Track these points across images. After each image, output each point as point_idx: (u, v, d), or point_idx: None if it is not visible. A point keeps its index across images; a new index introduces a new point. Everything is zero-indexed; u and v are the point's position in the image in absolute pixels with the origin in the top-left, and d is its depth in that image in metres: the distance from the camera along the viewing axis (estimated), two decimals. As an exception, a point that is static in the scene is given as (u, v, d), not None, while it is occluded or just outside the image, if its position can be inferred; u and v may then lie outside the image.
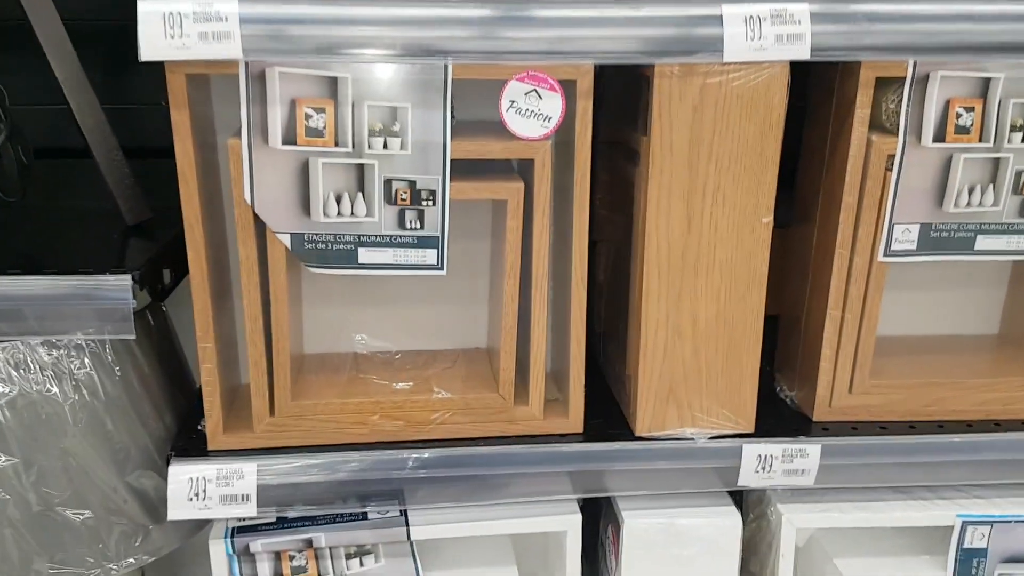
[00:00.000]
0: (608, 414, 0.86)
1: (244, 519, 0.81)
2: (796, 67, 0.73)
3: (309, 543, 0.81)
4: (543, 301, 0.79)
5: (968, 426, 0.85)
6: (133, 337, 0.72)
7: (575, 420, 0.82)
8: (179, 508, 0.77)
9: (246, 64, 0.69)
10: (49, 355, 0.75)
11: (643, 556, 0.84)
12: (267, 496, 0.79)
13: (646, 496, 0.85)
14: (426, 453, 0.80)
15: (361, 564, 0.82)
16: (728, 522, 0.84)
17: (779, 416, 0.85)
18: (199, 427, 0.82)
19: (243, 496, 0.78)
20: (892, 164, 0.75)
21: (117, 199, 0.84)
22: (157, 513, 0.81)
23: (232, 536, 0.80)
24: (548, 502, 0.85)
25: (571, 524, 0.84)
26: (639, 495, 0.85)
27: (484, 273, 0.88)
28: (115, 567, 0.78)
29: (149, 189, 0.87)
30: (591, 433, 0.82)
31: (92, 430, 0.76)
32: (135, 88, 1.12)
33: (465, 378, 0.84)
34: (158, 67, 0.68)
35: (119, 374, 0.78)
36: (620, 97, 0.81)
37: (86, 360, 0.76)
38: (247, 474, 0.77)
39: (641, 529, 0.83)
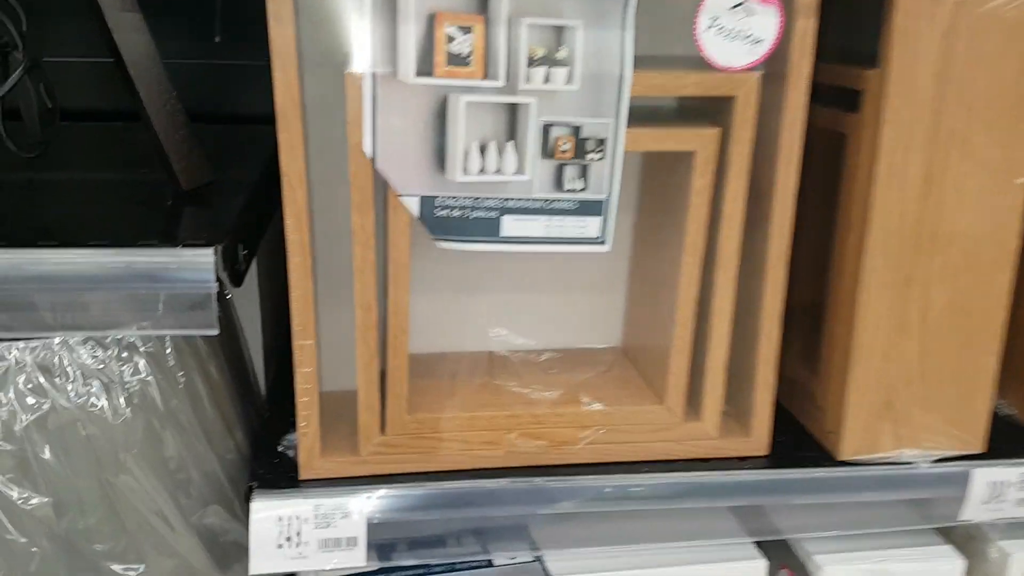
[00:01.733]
0: (789, 432, 0.69)
1: (344, 570, 0.64)
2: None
3: (427, 600, 0.64)
4: (730, 286, 0.62)
5: None
6: (216, 332, 0.54)
7: (759, 439, 0.65)
8: (265, 558, 0.59)
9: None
10: (93, 357, 0.57)
11: (839, 609, 0.67)
12: (376, 539, 0.61)
13: (836, 537, 0.68)
14: (571, 482, 0.62)
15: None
16: (949, 567, 0.67)
17: (1008, 435, 0.69)
18: (280, 448, 0.64)
19: (348, 540, 0.60)
20: None
21: (170, 157, 0.66)
22: (227, 562, 0.63)
23: (329, 591, 0.63)
24: (720, 545, 0.68)
25: (752, 572, 0.67)
26: (825, 536, 0.69)
27: (622, 254, 0.71)
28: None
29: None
30: (779, 457, 0.65)
31: (149, 456, 0.58)
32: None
33: (617, 386, 0.67)
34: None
35: (183, 381, 0.60)
36: (825, 27, 0.64)
37: (141, 364, 0.58)
38: (354, 511, 0.59)
39: (841, 576, 0.67)
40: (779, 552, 0.70)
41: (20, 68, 0.65)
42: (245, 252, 0.63)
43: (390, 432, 0.61)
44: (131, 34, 0.63)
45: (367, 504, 0.59)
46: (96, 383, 0.57)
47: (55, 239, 0.55)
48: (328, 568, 0.59)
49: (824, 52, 0.63)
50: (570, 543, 0.66)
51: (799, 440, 0.67)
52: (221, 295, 0.65)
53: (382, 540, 0.62)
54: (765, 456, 0.65)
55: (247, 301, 0.79)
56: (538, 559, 0.65)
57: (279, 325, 0.90)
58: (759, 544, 0.68)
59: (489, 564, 0.65)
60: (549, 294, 0.70)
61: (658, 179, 0.65)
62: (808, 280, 0.68)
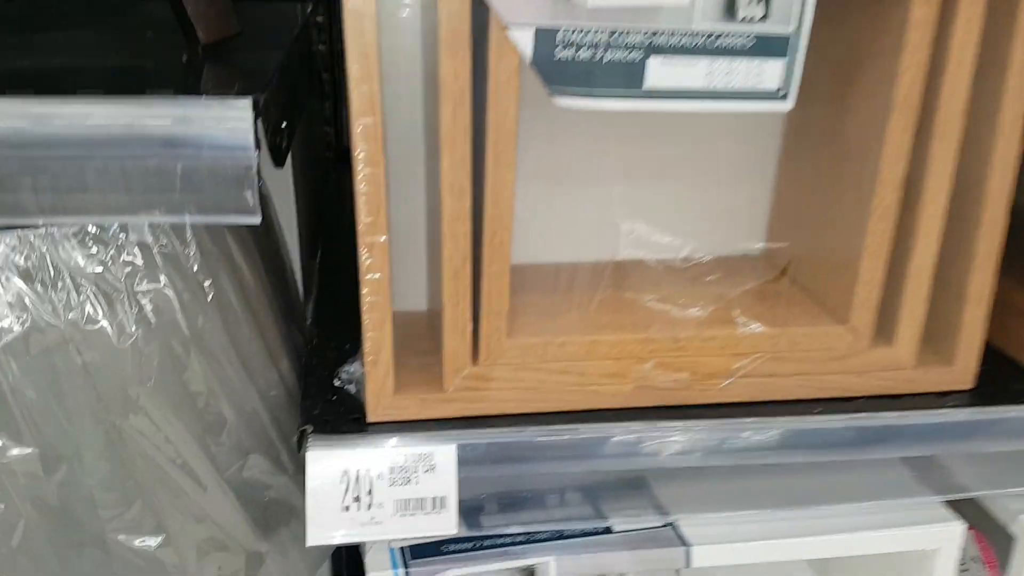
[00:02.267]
0: (996, 366, 0.53)
1: (421, 539, 0.49)
2: None
3: (529, 572, 0.49)
4: (950, 160, 0.46)
5: None
6: (258, 220, 0.39)
7: (964, 369, 0.50)
8: (326, 524, 0.44)
9: None
10: (89, 256, 0.42)
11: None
12: (467, 498, 0.47)
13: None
14: (718, 426, 0.47)
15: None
16: None
17: None
18: (338, 383, 0.50)
19: (436, 501, 0.45)
20: None
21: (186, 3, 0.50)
22: (272, 527, 0.49)
23: (405, 563, 0.48)
24: (903, 507, 0.53)
25: (947, 538, 0.52)
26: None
27: (773, 134, 0.55)
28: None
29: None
30: (988, 392, 0.50)
31: (169, 390, 0.43)
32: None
33: (781, 302, 0.51)
34: None
35: (211, 292, 0.45)
36: None
37: (158, 267, 0.43)
38: (442, 462, 0.45)
39: (1059, 544, 0.52)
40: (968, 513, 0.55)
41: None
42: (285, 124, 0.48)
43: (484, 361, 0.46)
44: None
45: (459, 452, 0.45)
46: (94, 292, 0.42)
47: (38, 89, 0.39)
48: (412, 536, 0.45)
49: None
50: (710, 505, 0.51)
51: (1010, 373, 0.52)
52: (260, 172, 0.49)
53: (474, 501, 0.48)
54: (971, 391, 0.50)
55: (280, 197, 0.64)
56: (670, 524, 0.51)
57: (318, 230, 0.74)
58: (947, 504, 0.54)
59: (607, 531, 0.51)
60: (686, 184, 0.54)
61: (840, 20, 0.49)
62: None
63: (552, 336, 0.47)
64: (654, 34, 0.41)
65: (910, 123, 0.44)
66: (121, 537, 0.42)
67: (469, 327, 0.45)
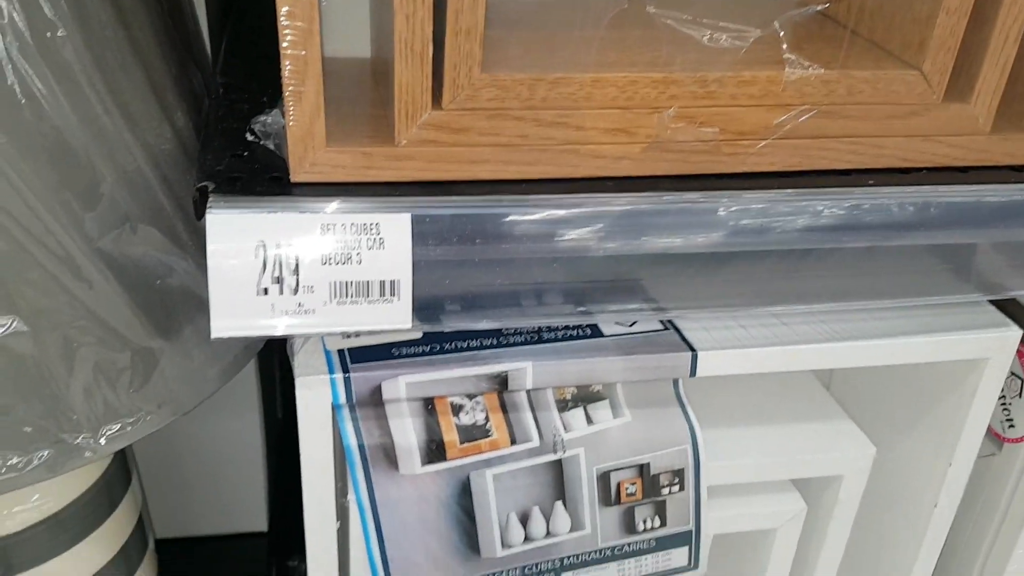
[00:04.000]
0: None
1: (368, 338, 0.39)
2: None
3: (497, 381, 0.40)
4: None
5: None
6: None
7: (1050, 136, 0.40)
8: (236, 311, 0.33)
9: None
10: None
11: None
12: (422, 287, 0.36)
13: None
14: (754, 199, 0.37)
15: (590, 421, 0.41)
16: None
17: None
18: (251, 135, 0.37)
19: (385, 285, 0.35)
20: None
21: None
22: (171, 322, 0.37)
23: (345, 368, 0.38)
24: (949, 305, 0.44)
25: (998, 348, 0.43)
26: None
27: None
28: (86, 439, 0.35)
29: None
30: (1075, 165, 0.41)
31: (8, 124, 0.31)
32: None
33: (834, 41, 0.40)
34: None
35: (70, 6, 0.32)
36: None
37: (-30, -61, 0.30)
38: (392, 236, 0.34)
39: None
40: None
41: None
42: None
43: (450, 103, 0.34)
44: None
45: (414, 223, 0.34)
46: None
47: None
48: (351, 331, 0.35)
49: None
50: (721, 302, 0.41)
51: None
52: None
53: (432, 294, 0.37)
54: (1052, 166, 0.40)
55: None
56: (671, 326, 0.41)
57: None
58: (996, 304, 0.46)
59: (596, 332, 0.41)
60: None
61: None
62: None
63: (542, 71, 0.35)
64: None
65: None
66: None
67: (429, 50, 0.33)
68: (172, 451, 0.75)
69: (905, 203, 0.38)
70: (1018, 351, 0.48)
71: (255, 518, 0.78)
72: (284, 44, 0.32)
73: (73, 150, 0.32)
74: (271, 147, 0.37)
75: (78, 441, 0.33)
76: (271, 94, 0.42)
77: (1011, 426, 0.48)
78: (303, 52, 0.31)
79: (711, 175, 0.38)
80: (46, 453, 0.33)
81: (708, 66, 0.36)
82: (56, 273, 0.32)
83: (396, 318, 0.34)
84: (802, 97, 0.37)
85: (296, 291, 0.33)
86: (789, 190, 0.37)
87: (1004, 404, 0.49)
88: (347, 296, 0.34)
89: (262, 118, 0.38)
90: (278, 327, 0.33)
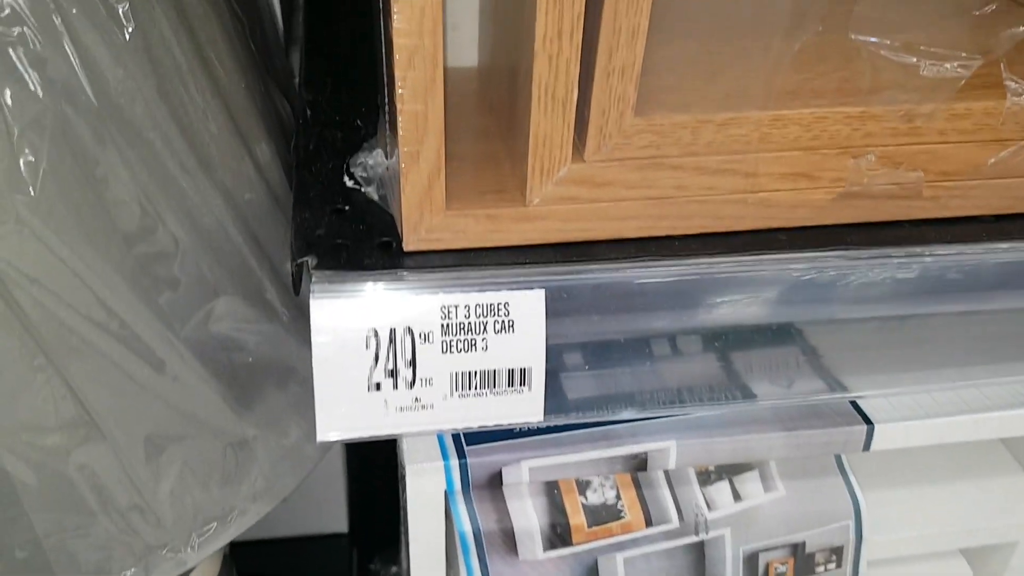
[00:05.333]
0: None
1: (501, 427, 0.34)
2: None
3: (637, 463, 0.34)
4: None
5: None
6: None
7: None
8: (343, 410, 0.28)
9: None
10: None
11: None
12: (553, 376, 0.30)
13: None
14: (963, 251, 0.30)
15: (736, 497, 0.36)
16: None
17: None
18: (350, 181, 0.32)
19: (515, 373, 0.29)
20: None
21: None
22: (250, 400, 0.33)
23: (459, 451, 0.33)
24: None
25: None
26: None
27: None
28: (176, 548, 0.31)
29: None
30: None
31: (70, 203, 0.25)
32: None
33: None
34: None
35: (132, 24, 0.26)
36: None
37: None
38: (524, 316, 0.28)
39: None
40: None
41: None
42: None
43: (594, 154, 0.28)
44: None
45: (549, 300, 0.28)
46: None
47: None
48: (476, 427, 0.29)
49: None
50: (895, 373, 0.35)
51: None
52: None
53: (564, 378, 0.32)
54: None
55: None
56: (843, 395, 0.35)
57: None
58: None
59: (748, 394, 0.35)
60: None
61: None
62: None
63: (705, 112, 0.28)
64: None
65: None
66: (23, 438, 0.26)
67: (574, 96, 0.27)
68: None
69: None
70: None
71: (335, 519, 0.75)
72: (400, 93, 0.25)
73: (143, 228, 0.27)
74: (375, 197, 0.31)
75: (166, 552, 0.29)
76: (365, 114, 0.36)
77: None
78: (422, 107, 0.25)
79: (903, 221, 0.31)
80: (130, 573, 0.28)
81: (910, 92, 0.29)
82: (134, 372, 0.27)
83: (527, 411, 0.29)
84: (1021, 129, 0.30)
85: (412, 385, 0.28)
86: (1002, 243, 0.30)
87: None
88: (471, 388, 0.28)
89: (362, 158, 0.32)
90: (392, 427, 0.28)
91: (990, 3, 0.31)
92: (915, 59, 0.28)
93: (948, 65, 0.28)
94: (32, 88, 0.25)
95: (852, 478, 0.37)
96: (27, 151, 0.25)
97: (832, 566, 0.37)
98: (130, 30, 0.25)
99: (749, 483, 0.36)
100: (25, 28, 0.24)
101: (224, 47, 0.31)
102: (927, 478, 0.41)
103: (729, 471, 0.36)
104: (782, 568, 0.37)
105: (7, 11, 0.24)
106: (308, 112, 0.36)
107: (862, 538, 0.37)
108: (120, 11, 0.25)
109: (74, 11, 0.25)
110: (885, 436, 0.34)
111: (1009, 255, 0.31)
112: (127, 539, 0.28)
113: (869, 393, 0.33)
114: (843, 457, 0.37)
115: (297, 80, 0.38)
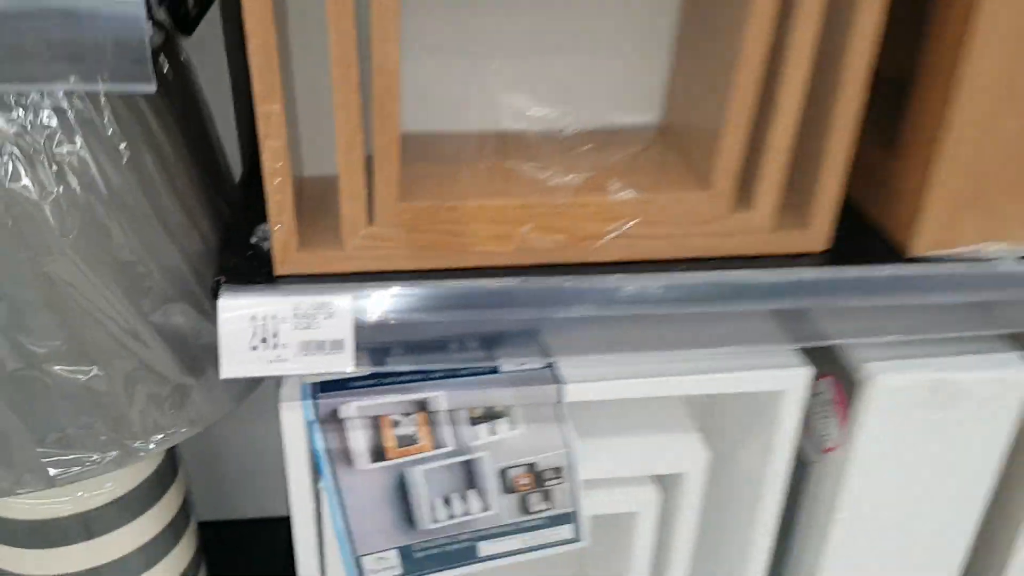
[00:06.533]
0: (855, 227, 0.58)
1: (330, 375, 0.56)
2: None
3: (421, 405, 0.56)
4: (810, 38, 0.49)
5: None
6: (152, 88, 0.43)
7: (818, 232, 0.55)
8: (237, 361, 0.51)
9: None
10: (10, 120, 0.46)
11: (890, 421, 0.60)
12: (364, 342, 0.53)
13: (891, 344, 0.60)
14: (595, 281, 0.53)
15: (492, 432, 0.58)
16: (1017, 376, 0.60)
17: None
18: (254, 240, 0.55)
19: (334, 342, 0.51)
20: None
21: None
22: (199, 366, 0.55)
23: (314, 396, 0.55)
24: (758, 352, 0.60)
25: (793, 382, 0.59)
26: (877, 342, 0.61)
27: (668, 8, 0.58)
28: (140, 444, 0.53)
29: None
30: (840, 253, 0.56)
31: (91, 242, 0.48)
32: None
33: (657, 170, 0.56)
34: None
35: (127, 154, 0.49)
36: None
37: (74, 131, 0.47)
38: (339, 310, 0.51)
39: (895, 386, 0.59)
40: (822, 360, 0.62)
41: None
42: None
43: (379, 223, 0.51)
44: None
45: (353, 304, 0.51)
46: (16, 153, 0.46)
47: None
48: (312, 372, 0.52)
49: None
50: (588, 349, 0.58)
51: (865, 235, 0.57)
52: (169, 47, 0.53)
53: (374, 344, 0.54)
54: (824, 252, 0.56)
55: (214, 68, 0.67)
56: (549, 365, 0.58)
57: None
58: (803, 351, 0.61)
59: (494, 371, 0.57)
60: (574, 57, 0.58)
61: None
62: (896, 46, 0.55)
63: (441, 200, 0.52)
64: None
65: (770, 17, 0.48)
66: (56, 368, 0.49)
67: (364, 193, 0.50)
68: (212, 449, 0.93)
69: (711, 283, 0.54)
70: (837, 384, 0.63)
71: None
72: (270, 187, 0.49)
73: (133, 261, 0.50)
74: (265, 249, 0.54)
75: (136, 445, 0.51)
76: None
77: (825, 440, 0.63)
78: (280, 196, 0.49)
79: (567, 264, 0.54)
80: (115, 453, 0.50)
81: (557, 194, 0.52)
82: (122, 338, 0.50)
83: (342, 364, 0.51)
84: (625, 213, 0.53)
85: (275, 347, 0.50)
86: (617, 275, 0.53)
87: (822, 420, 0.64)
88: (309, 350, 0.51)
89: (262, 227, 0.55)
90: (263, 371, 0.51)
91: (594, 142, 0.54)
92: (550, 174, 0.52)
93: (569, 177, 0.52)
94: (74, 185, 0.48)
95: (568, 423, 0.59)
96: (70, 216, 0.48)
97: (556, 481, 0.59)
98: (126, 157, 0.49)
99: (502, 423, 0.58)
100: (76, 151, 0.47)
101: (183, 163, 0.54)
102: (626, 428, 0.63)
103: (490, 416, 0.58)
104: (525, 480, 0.59)
105: (67, 147, 0.47)
106: (240, 202, 0.60)
107: (575, 463, 0.59)
108: (121, 147, 0.48)
109: (97, 145, 0.48)
110: (571, 391, 0.56)
111: (634, 283, 0.54)
112: (112, 434, 0.50)
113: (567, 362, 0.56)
114: (564, 411, 0.59)
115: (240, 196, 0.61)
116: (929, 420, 0.60)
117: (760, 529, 0.63)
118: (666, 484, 0.63)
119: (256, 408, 0.67)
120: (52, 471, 0.50)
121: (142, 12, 0.41)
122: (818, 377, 0.63)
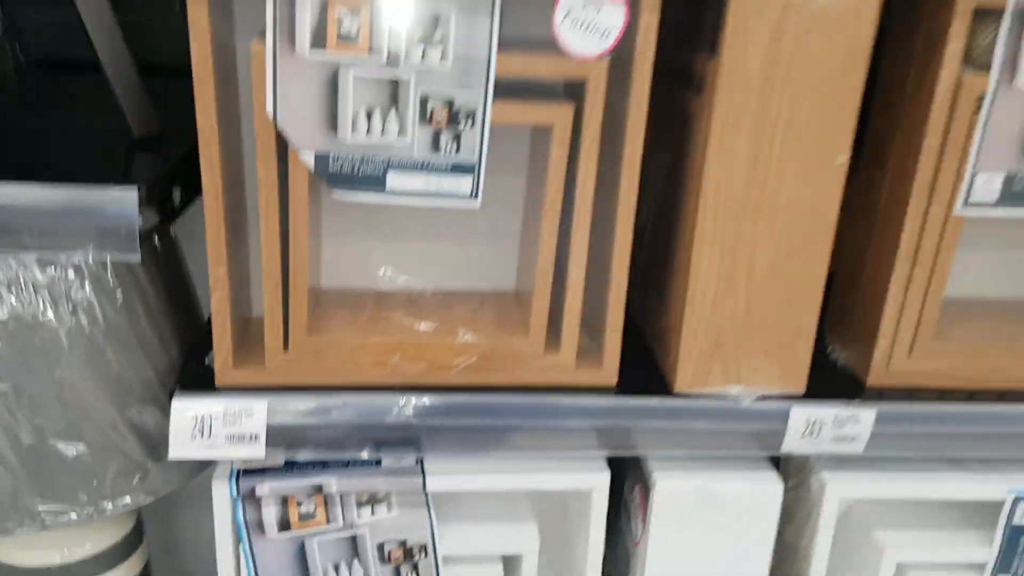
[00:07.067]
0: (644, 369, 0.79)
1: (250, 461, 0.76)
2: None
3: (319, 488, 0.76)
4: (584, 241, 0.72)
5: (1031, 398, 0.79)
6: (138, 260, 0.66)
7: (609, 372, 0.76)
8: (181, 446, 0.71)
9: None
10: (44, 274, 0.69)
11: (674, 520, 0.79)
12: (277, 437, 0.73)
13: (680, 457, 0.80)
14: (447, 399, 0.74)
15: (373, 513, 0.77)
16: (769, 488, 0.78)
17: (829, 379, 0.79)
18: (207, 361, 0.76)
19: (251, 436, 0.72)
20: (981, 106, 0.68)
21: (123, 106, 0.77)
22: (157, 451, 0.75)
23: (237, 478, 0.75)
24: (574, 459, 0.79)
25: (598, 483, 0.78)
26: (673, 456, 0.80)
27: (517, 208, 0.81)
28: (109, 505, 0.73)
29: (157, 108, 0.80)
30: (625, 387, 0.76)
31: (90, 359, 0.70)
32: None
33: (494, 321, 0.78)
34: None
35: (121, 299, 0.72)
36: (680, 17, 0.73)
37: (85, 283, 0.70)
38: (256, 412, 0.72)
39: (674, 491, 0.78)
40: (637, 471, 0.81)
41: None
42: (182, 192, 0.75)
43: (292, 352, 0.73)
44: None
45: (268, 407, 0.71)
46: (46, 295, 0.69)
47: (15, 176, 0.66)
48: (233, 457, 0.72)
49: (683, 40, 0.72)
50: (447, 449, 0.77)
51: (650, 376, 0.78)
52: (161, 228, 0.76)
53: (287, 439, 0.74)
54: (614, 387, 0.76)
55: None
56: (419, 461, 0.77)
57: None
58: (615, 460, 0.80)
59: (378, 463, 0.77)
60: (448, 241, 0.81)
61: (537, 148, 0.75)
62: (667, 240, 0.78)
63: (337, 336, 0.73)
64: (390, 158, 0.68)
65: (556, 217, 0.71)
66: (57, 443, 0.70)
67: (281, 328, 0.72)
68: (174, 523, 1.12)
69: (527, 404, 0.74)
70: (641, 490, 0.82)
71: None
72: (215, 325, 0.71)
73: (119, 372, 0.71)
74: (212, 367, 0.75)
75: (107, 505, 0.71)
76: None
77: (635, 534, 0.81)
78: (221, 331, 0.70)
79: (429, 386, 0.75)
80: (91, 509, 0.70)
81: (421, 336, 0.74)
82: (105, 427, 0.71)
83: (256, 452, 0.72)
84: (469, 351, 0.74)
85: (210, 438, 0.71)
86: (464, 395, 0.74)
87: (633, 519, 0.82)
88: (235, 441, 0.71)
89: (211, 354, 0.77)
90: (200, 455, 0.71)
91: (453, 302, 0.77)
92: (416, 321, 0.73)
93: (429, 324, 0.74)
94: (82, 319, 0.70)
95: (430, 509, 0.77)
96: (78, 339, 0.70)
97: (423, 555, 0.77)
98: (120, 301, 0.71)
99: (381, 506, 0.77)
100: (86, 296, 0.70)
101: (163, 306, 0.77)
102: (479, 512, 0.81)
103: (372, 500, 0.77)
104: (398, 554, 0.77)
105: (80, 293, 0.70)
106: (203, 337, 0.82)
107: (436, 541, 0.77)
108: (117, 293, 0.71)
109: (101, 292, 0.71)
110: (431, 482, 0.76)
111: (478, 400, 0.74)
112: (91, 498, 0.70)
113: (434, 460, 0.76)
114: (427, 496, 0.77)
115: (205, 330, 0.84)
116: (706, 521, 0.79)
117: (583, 603, 0.81)
118: (508, 564, 0.81)
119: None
120: (47, 519, 0.70)
121: (134, 212, 0.64)
122: (633, 486, 0.82)
